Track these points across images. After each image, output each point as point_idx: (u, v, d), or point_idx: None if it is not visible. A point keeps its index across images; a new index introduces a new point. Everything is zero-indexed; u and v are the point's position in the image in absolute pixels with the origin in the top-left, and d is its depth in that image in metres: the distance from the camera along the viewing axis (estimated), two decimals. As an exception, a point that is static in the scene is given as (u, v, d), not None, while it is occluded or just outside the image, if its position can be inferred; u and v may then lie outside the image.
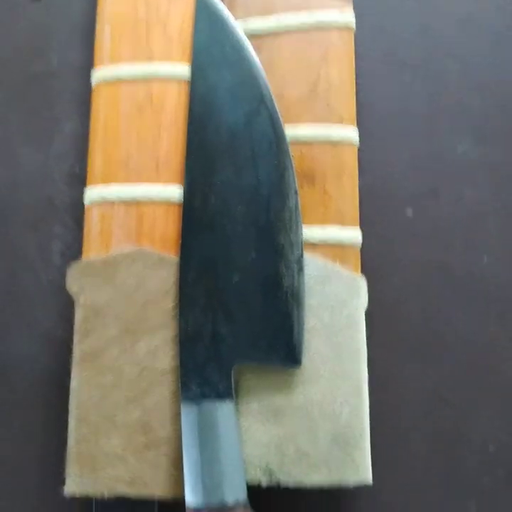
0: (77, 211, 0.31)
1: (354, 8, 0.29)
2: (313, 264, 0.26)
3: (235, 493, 0.24)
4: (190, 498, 0.24)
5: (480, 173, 0.31)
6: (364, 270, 0.27)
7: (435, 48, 0.32)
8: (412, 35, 0.32)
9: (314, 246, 0.27)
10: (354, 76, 0.28)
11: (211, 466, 0.24)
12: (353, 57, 0.29)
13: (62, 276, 0.29)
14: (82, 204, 0.29)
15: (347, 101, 0.28)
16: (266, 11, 0.29)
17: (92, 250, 0.28)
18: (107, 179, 0.28)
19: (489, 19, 0.33)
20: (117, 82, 0.29)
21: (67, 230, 0.31)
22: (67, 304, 0.29)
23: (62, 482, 0.26)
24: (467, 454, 0.28)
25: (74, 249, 0.30)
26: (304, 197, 0.27)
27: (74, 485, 0.25)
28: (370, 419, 0.26)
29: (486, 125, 0.31)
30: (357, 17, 0.29)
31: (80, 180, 0.31)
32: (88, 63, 0.32)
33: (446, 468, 0.28)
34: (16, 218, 0.31)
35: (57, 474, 0.26)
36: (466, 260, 0.30)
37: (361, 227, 0.27)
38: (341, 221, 0.27)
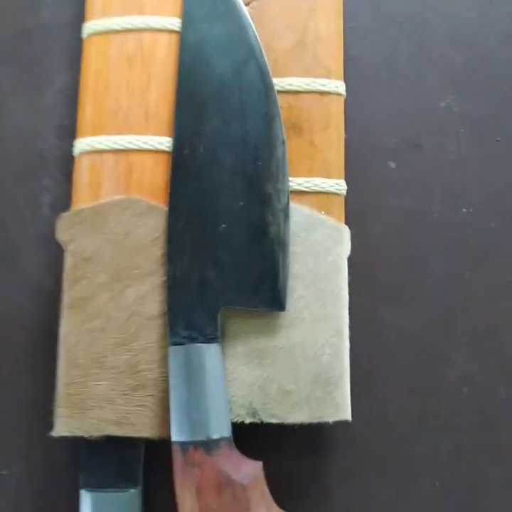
0: (66, 164, 0.31)
1: (343, -37, 0.29)
2: (299, 212, 0.27)
3: (220, 430, 0.24)
4: (177, 434, 0.24)
5: (461, 127, 0.31)
6: (347, 219, 0.28)
7: (421, 3, 0.32)
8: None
9: (300, 195, 0.27)
10: (342, 29, 0.29)
11: (197, 404, 0.24)
12: (341, 11, 0.29)
13: (51, 228, 0.29)
14: (71, 157, 0.29)
15: (334, 53, 0.29)
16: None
17: (82, 200, 0.28)
18: (97, 130, 0.28)
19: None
20: (108, 33, 0.29)
21: (56, 183, 0.31)
22: (56, 255, 0.30)
23: (51, 425, 0.26)
24: (442, 394, 0.29)
25: (63, 202, 0.30)
26: (291, 148, 0.27)
27: (63, 426, 0.26)
28: (350, 361, 0.27)
29: (468, 81, 0.32)
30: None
31: (69, 133, 0.31)
32: (78, 18, 0.32)
33: (422, 407, 0.29)
34: (6, 171, 0.31)
35: (46, 418, 0.27)
36: (446, 210, 0.31)
37: (346, 178, 0.28)
38: (327, 172, 0.28)
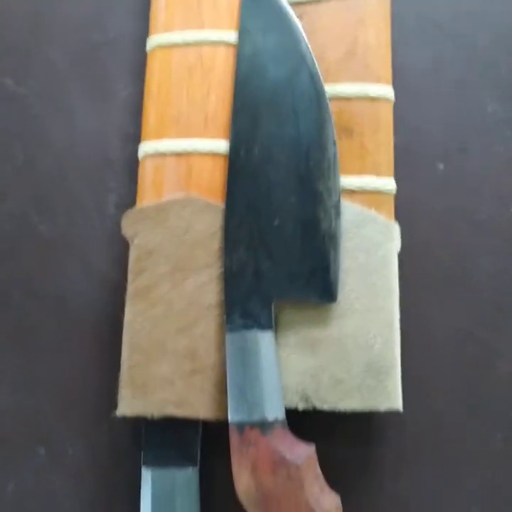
0: (130, 167, 0.33)
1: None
2: (350, 209, 0.29)
3: (275, 412, 0.26)
4: (233, 415, 0.26)
5: (507, 131, 0.32)
6: (397, 217, 0.29)
7: (467, 12, 0.34)
8: (445, 0, 0.34)
9: (352, 193, 0.29)
10: (390, 38, 0.30)
11: (253, 387, 0.26)
12: (389, 20, 0.31)
13: (116, 225, 0.32)
14: (135, 161, 0.32)
15: (383, 61, 0.30)
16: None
17: (146, 198, 0.30)
18: (160, 134, 0.31)
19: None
20: (170, 47, 0.32)
21: (121, 184, 0.34)
22: (121, 250, 0.32)
23: (114, 407, 0.28)
24: (494, 387, 0.29)
25: (127, 201, 0.33)
26: (343, 149, 0.29)
27: (126, 407, 0.28)
28: (402, 354, 0.28)
29: None
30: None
31: (133, 139, 0.33)
32: (141, 34, 0.34)
33: (473, 400, 0.29)
34: (75, 173, 0.34)
35: (109, 400, 0.29)
36: (492, 210, 0.32)
37: (395, 179, 0.29)
38: (377, 171, 0.29)
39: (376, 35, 0.30)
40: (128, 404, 0.28)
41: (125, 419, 0.28)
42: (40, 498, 0.31)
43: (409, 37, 0.33)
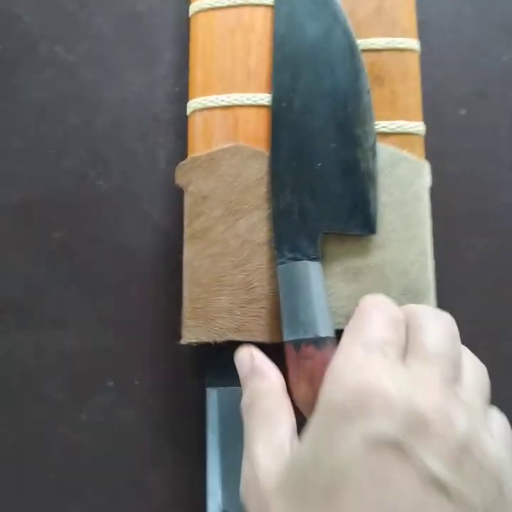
0: (177, 125, 0.36)
1: None
2: (385, 150, 0.31)
3: (326, 330, 0.29)
4: (289, 335, 0.29)
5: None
6: (427, 157, 0.32)
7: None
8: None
9: (385, 136, 0.32)
10: (415, -4, 0.33)
11: (305, 309, 0.29)
12: (414, -21, 0.33)
13: (167, 177, 0.35)
14: (181, 118, 0.35)
15: (409, 16, 0.33)
16: None
17: (197, 150, 0.33)
18: (207, 91, 0.34)
19: None
20: (212, 10, 0.34)
21: (169, 140, 0.37)
22: (171, 200, 0.36)
23: (176, 339, 0.31)
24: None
25: (175, 156, 0.36)
26: (375, 97, 0.32)
27: (191, 334, 0.31)
28: (435, 276, 0.31)
29: None
30: None
31: (179, 98, 0.36)
32: (182, 1, 0.37)
33: (503, 315, 0.33)
34: (127, 132, 0.37)
35: (170, 333, 0.32)
36: (510, 149, 0.35)
37: (424, 123, 0.32)
38: (407, 116, 0.32)
39: (402, -10, 0.33)
40: (192, 332, 0.31)
41: (186, 349, 0.31)
42: (110, 426, 0.34)
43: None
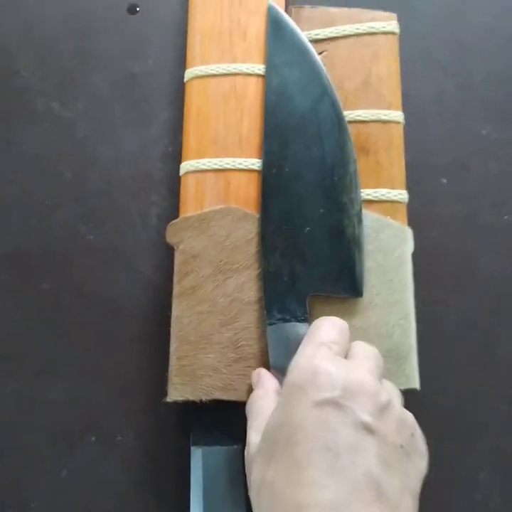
0: (170, 183, 0.37)
1: (398, 20, 0.36)
2: (369, 217, 0.33)
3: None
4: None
5: (499, 150, 0.38)
6: (410, 224, 0.33)
7: (463, 50, 0.39)
8: (445, 41, 0.40)
9: (370, 203, 0.33)
10: (399, 71, 0.35)
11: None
12: (398, 56, 0.36)
13: (158, 234, 0.36)
14: (174, 177, 0.36)
15: (394, 90, 0.35)
16: (326, 24, 0.36)
17: (189, 210, 0.34)
18: (200, 154, 0.35)
19: (507, 29, 0.40)
20: (207, 77, 0.36)
21: (162, 198, 0.38)
22: (162, 256, 0.36)
23: (162, 395, 0.32)
24: (496, 367, 0.34)
25: (168, 214, 0.37)
26: (361, 166, 0.34)
27: (176, 392, 0.32)
28: (417, 338, 0.32)
29: (505, 112, 0.38)
30: (401, 26, 0.36)
31: (172, 158, 0.38)
32: (177, 64, 0.39)
33: (480, 378, 0.34)
34: (121, 189, 0.38)
35: (156, 390, 0.32)
36: (490, 217, 0.37)
37: (407, 191, 0.34)
38: (391, 184, 0.34)
39: (387, 68, 0.35)
40: (178, 390, 0.32)
41: (170, 407, 0.32)
42: (92, 482, 0.34)
43: (415, 70, 0.38)
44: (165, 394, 0.32)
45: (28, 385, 0.35)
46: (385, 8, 0.37)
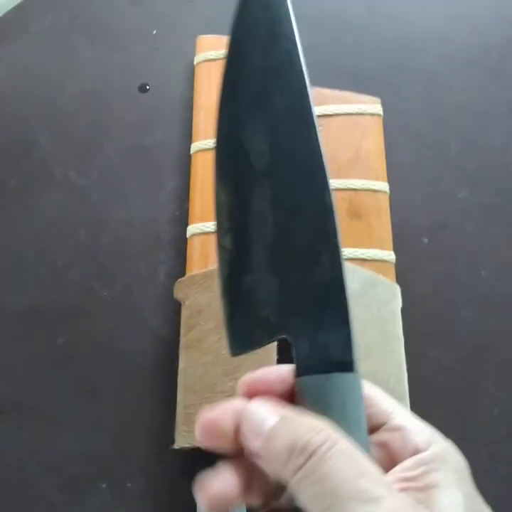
0: (177, 244, 0.41)
1: (382, 103, 0.41)
2: (365, 274, 0.36)
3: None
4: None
5: (474, 212, 0.42)
6: (397, 280, 0.37)
7: (439, 124, 0.44)
8: (423, 116, 0.45)
9: (364, 262, 0.37)
10: (383, 147, 0.40)
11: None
12: (382, 133, 0.40)
13: (166, 291, 0.39)
14: (181, 238, 0.39)
15: (380, 163, 0.39)
16: (320, 103, 0.41)
17: (194, 268, 0.38)
18: (205, 218, 0.38)
19: (478, 105, 0.45)
20: (210, 150, 0.40)
21: (169, 258, 0.41)
22: (170, 311, 0.39)
23: (167, 444, 0.34)
24: (477, 413, 0.36)
25: (175, 272, 0.40)
26: (355, 228, 0.37)
27: (183, 440, 0.34)
28: (409, 385, 0.34)
29: (479, 178, 0.43)
30: (384, 104, 0.40)
31: (179, 221, 0.41)
32: (184, 137, 0.43)
33: (461, 423, 0.36)
34: (132, 249, 0.41)
35: (162, 438, 0.34)
36: (469, 272, 0.40)
37: (394, 250, 0.37)
38: (381, 246, 0.37)
39: (374, 144, 0.40)
40: (185, 438, 0.34)
41: (178, 454, 0.34)
42: (99, 530, 0.35)
43: (397, 143, 0.43)
44: (172, 441, 0.34)
45: (40, 435, 0.37)
46: (371, 89, 0.41)
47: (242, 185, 0.24)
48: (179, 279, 0.37)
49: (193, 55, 0.44)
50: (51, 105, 0.46)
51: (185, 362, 0.35)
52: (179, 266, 0.39)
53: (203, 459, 0.35)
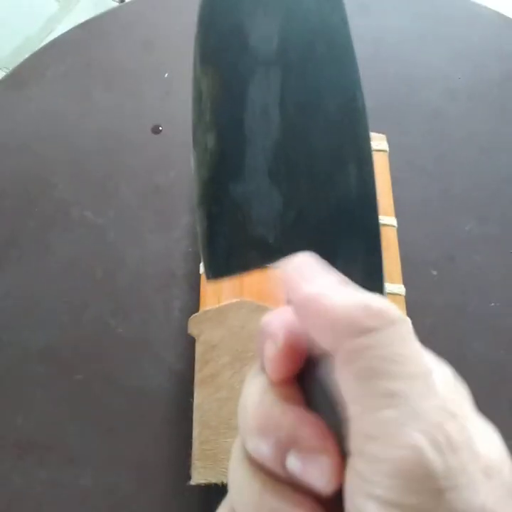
0: (191, 280, 0.42)
1: (387, 139, 0.42)
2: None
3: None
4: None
5: (481, 244, 0.43)
6: (407, 313, 0.37)
7: (444, 159, 0.45)
8: (428, 151, 0.46)
9: (371, 295, 0.37)
10: (390, 181, 0.41)
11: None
12: (389, 169, 0.41)
13: (181, 325, 0.40)
14: (194, 274, 0.40)
15: (387, 198, 0.40)
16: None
17: (207, 303, 0.38)
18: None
19: (482, 138, 0.46)
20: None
21: (183, 293, 0.42)
22: (184, 346, 0.40)
23: (185, 479, 0.34)
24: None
25: (189, 306, 0.41)
26: (361, 262, 0.38)
27: (199, 476, 0.34)
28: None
29: (483, 211, 0.44)
30: (389, 141, 0.42)
31: (192, 257, 0.42)
32: (196, 177, 0.44)
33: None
34: (147, 284, 0.42)
35: (180, 473, 0.35)
36: (478, 305, 0.40)
37: (403, 283, 0.38)
38: (391, 279, 0.38)
39: (381, 180, 0.41)
40: (201, 474, 0.34)
41: (194, 489, 0.34)
42: None
43: (404, 178, 0.44)
44: (189, 477, 0.34)
45: (59, 472, 0.37)
46: (376, 126, 0.42)
47: (235, 70, 0.19)
48: (193, 315, 0.38)
49: (204, 96, 0.46)
50: (68, 147, 0.48)
51: (200, 398, 0.36)
52: (193, 301, 0.40)
53: (220, 495, 0.35)
